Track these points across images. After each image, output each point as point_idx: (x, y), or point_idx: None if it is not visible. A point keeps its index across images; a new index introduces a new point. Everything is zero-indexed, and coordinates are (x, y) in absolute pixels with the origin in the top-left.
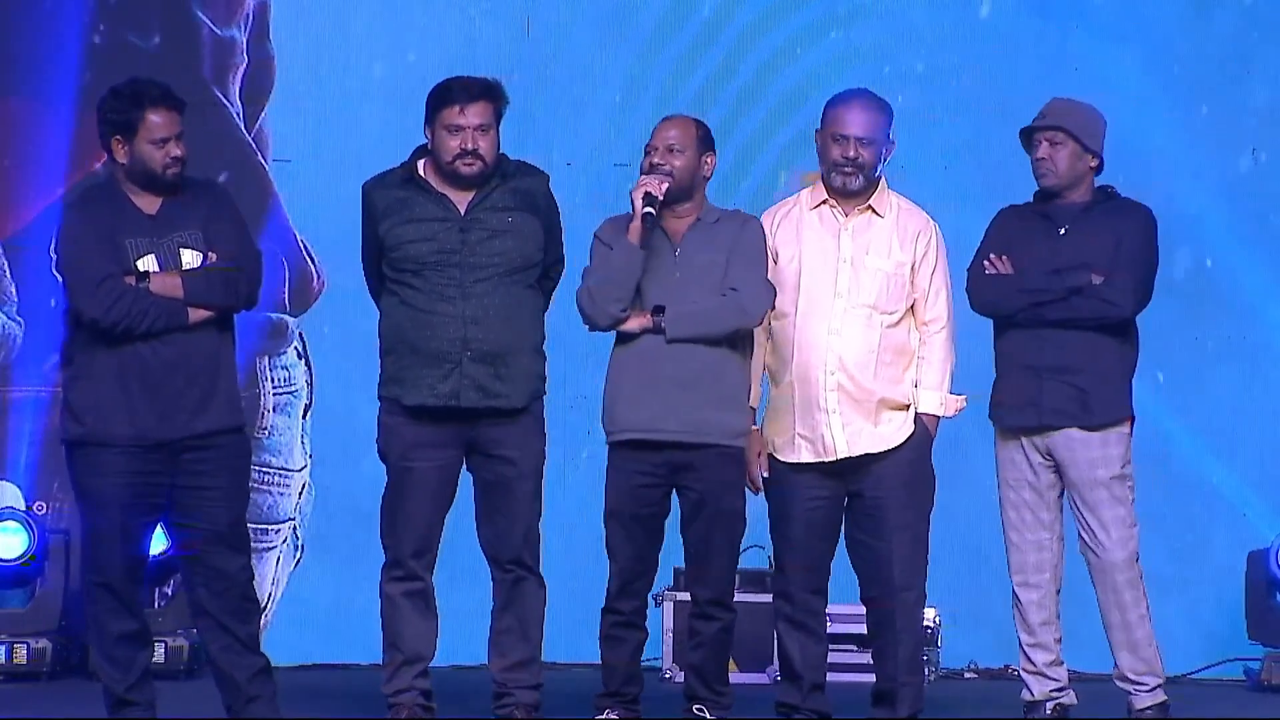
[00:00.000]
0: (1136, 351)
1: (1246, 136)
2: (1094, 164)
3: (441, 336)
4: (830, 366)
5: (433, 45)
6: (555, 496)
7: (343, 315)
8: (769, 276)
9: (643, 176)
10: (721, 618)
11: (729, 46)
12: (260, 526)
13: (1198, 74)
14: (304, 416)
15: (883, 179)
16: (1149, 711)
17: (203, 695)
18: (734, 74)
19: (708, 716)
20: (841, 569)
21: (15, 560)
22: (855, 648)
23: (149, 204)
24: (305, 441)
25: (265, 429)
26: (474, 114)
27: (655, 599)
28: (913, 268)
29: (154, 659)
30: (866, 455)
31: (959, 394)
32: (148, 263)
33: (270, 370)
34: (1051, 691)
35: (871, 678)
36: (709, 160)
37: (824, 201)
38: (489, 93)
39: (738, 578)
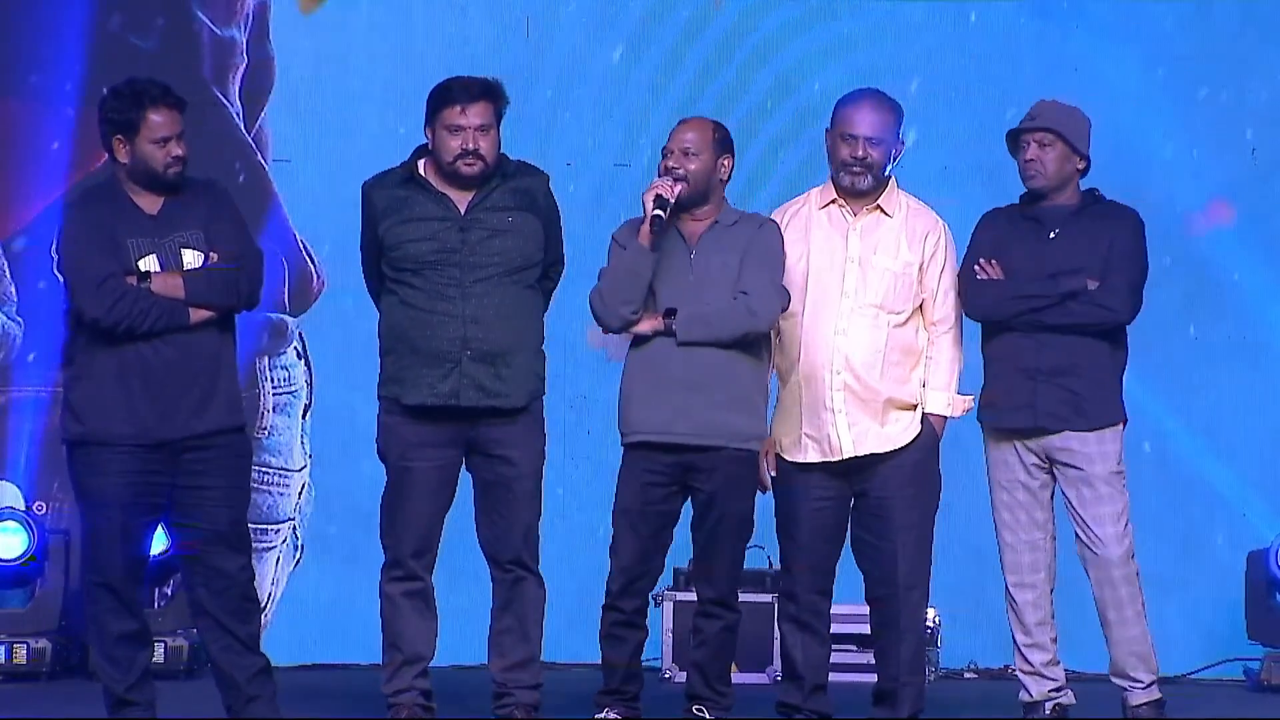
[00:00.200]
0: (1126, 353)
1: (1246, 137)
2: (1081, 165)
3: (441, 336)
4: (836, 366)
5: (432, 45)
6: (555, 496)
7: (342, 315)
8: (782, 276)
9: (656, 179)
10: (724, 617)
11: (729, 45)
12: (260, 526)
13: (1197, 74)
14: (304, 416)
15: (893, 179)
16: (1144, 709)
17: (202, 695)
18: (735, 73)
19: (707, 717)
20: (842, 569)
21: (15, 560)
22: (855, 648)
23: (150, 204)
24: (305, 441)
25: (265, 429)
26: (474, 114)
27: (655, 599)
28: (921, 268)
29: (154, 659)
30: (872, 455)
31: (966, 394)
32: (149, 263)
33: (270, 370)
34: (1050, 691)
35: (872, 678)
36: (726, 163)
37: (833, 201)
38: (489, 93)
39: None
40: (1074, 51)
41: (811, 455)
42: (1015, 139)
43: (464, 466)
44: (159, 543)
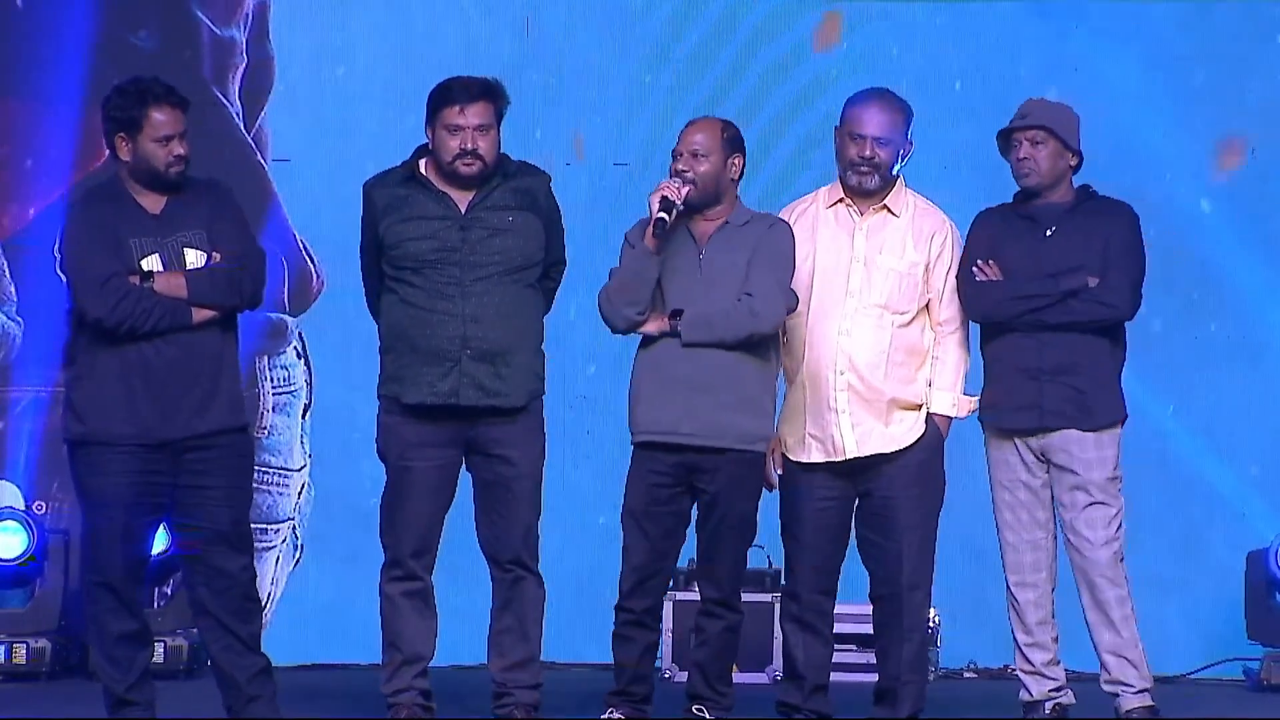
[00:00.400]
0: (1125, 350)
1: (1245, 136)
2: (1074, 162)
3: (441, 335)
4: (840, 366)
5: (432, 45)
6: (555, 496)
7: (342, 315)
8: (794, 277)
9: (664, 181)
10: (727, 617)
11: (729, 46)
12: (260, 526)
13: (1197, 74)
14: (303, 416)
15: (900, 178)
16: (1135, 714)
17: (202, 695)
18: (733, 73)
19: (708, 716)
20: (844, 568)
21: (15, 560)
22: (855, 647)
23: (153, 203)
24: (305, 441)
25: (265, 429)
26: (474, 114)
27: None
28: (927, 268)
29: (153, 659)
30: (877, 455)
31: (972, 395)
32: (152, 262)
33: (270, 370)
34: (1050, 691)
35: (872, 678)
36: (736, 162)
37: (840, 200)
38: (489, 93)
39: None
40: (1074, 51)
41: (815, 455)
42: (1007, 138)
43: (464, 466)
44: (159, 542)
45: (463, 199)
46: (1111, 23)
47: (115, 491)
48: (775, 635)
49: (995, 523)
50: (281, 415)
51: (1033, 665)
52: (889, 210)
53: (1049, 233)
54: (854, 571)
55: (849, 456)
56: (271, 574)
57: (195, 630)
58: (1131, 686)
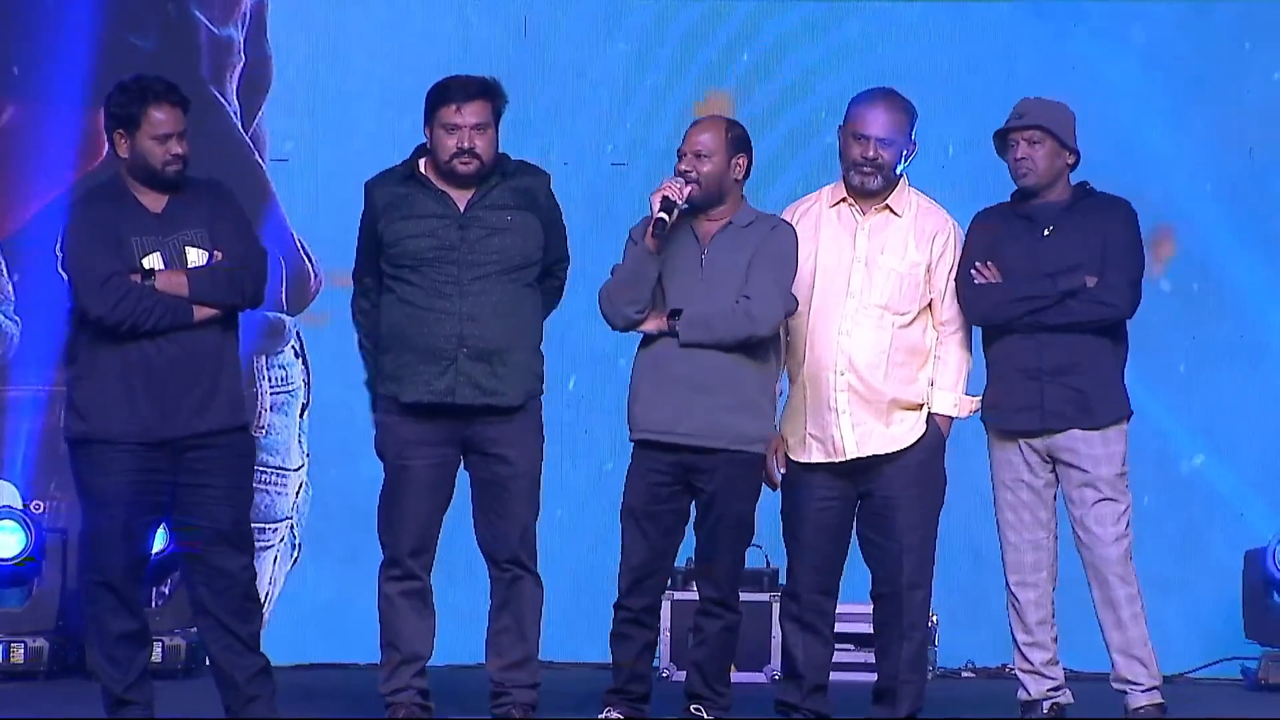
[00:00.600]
0: (1127, 348)
1: (1243, 136)
2: (1071, 160)
3: (438, 333)
4: (840, 367)
5: (430, 44)
6: (553, 496)
7: (340, 314)
8: (795, 279)
9: (666, 180)
10: (725, 617)
11: (727, 44)
12: (258, 525)
13: (1195, 74)
14: (301, 416)
15: (904, 178)
16: (1143, 712)
17: (200, 694)
18: (732, 72)
19: (705, 716)
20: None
21: (12, 559)
22: (853, 647)
23: (154, 202)
24: (303, 440)
25: (263, 428)
26: (471, 113)
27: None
28: (929, 268)
29: (152, 658)
30: (877, 456)
31: (974, 395)
32: (153, 261)
33: (268, 369)
34: (1048, 691)
35: (870, 677)
36: (741, 162)
37: (843, 199)
38: (487, 92)
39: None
40: (1072, 51)
41: (816, 455)
42: (1003, 138)
43: (462, 465)
44: (157, 541)
45: (462, 198)
46: (1110, 22)
47: (116, 490)
48: (774, 635)
49: (997, 522)
50: (279, 414)
51: (1032, 665)
52: (891, 210)
53: (1047, 232)
54: (852, 570)
55: (849, 457)
56: (269, 573)
57: (193, 630)
58: (1140, 684)
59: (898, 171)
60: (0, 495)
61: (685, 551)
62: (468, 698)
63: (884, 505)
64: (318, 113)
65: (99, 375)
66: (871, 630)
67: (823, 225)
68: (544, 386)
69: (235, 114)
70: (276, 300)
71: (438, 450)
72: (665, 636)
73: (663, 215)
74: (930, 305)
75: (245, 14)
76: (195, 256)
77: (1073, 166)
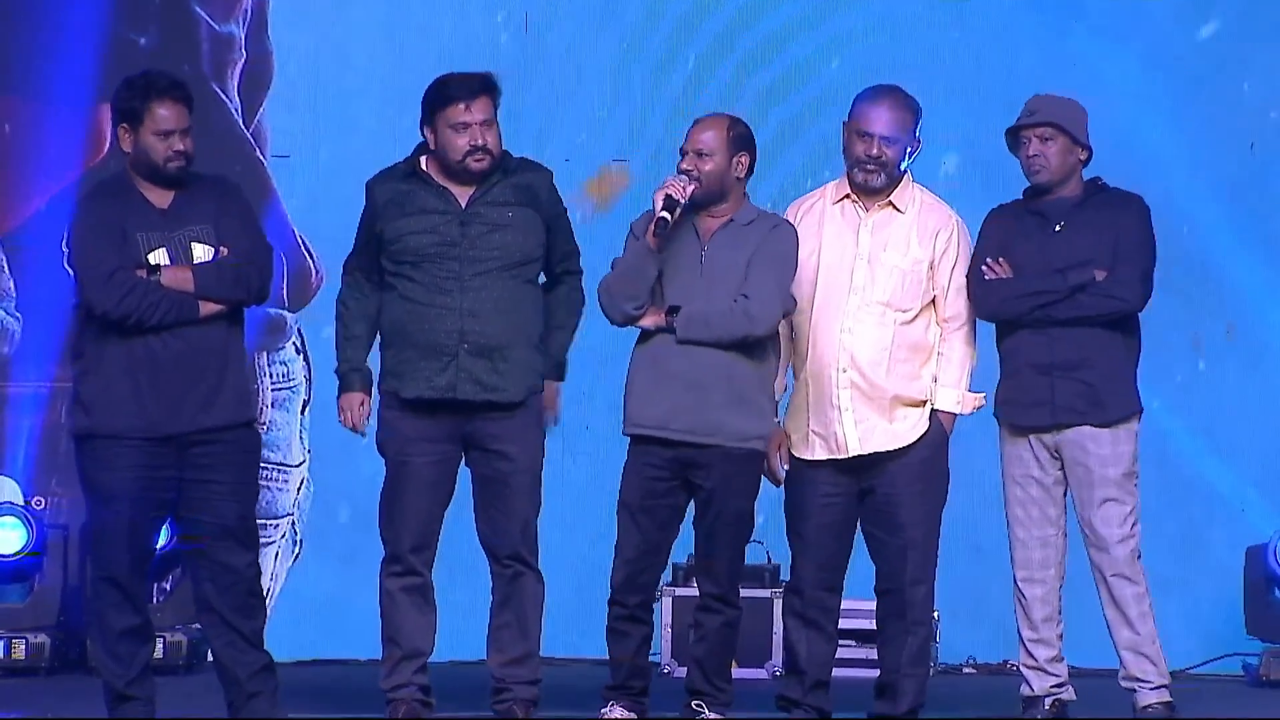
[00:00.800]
0: (1139, 343)
1: (1243, 134)
2: (1083, 156)
3: (439, 329)
4: (842, 364)
5: (431, 41)
6: (554, 491)
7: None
8: (794, 278)
9: (669, 178)
10: (725, 613)
11: (727, 41)
12: (259, 522)
13: (1195, 72)
14: (302, 412)
15: (908, 174)
16: (1151, 710)
17: (201, 690)
18: (732, 68)
19: (707, 713)
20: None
21: (14, 555)
22: (855, 643)
23: (160, 198)
24: (304, 437)
25: (264, 424)
26: (479, 109)
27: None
28: (931, 265)
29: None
30: (880, 452)
31: (977, 392)
32: (159, 256)
33: (269, 366)
34: (1051, 687)
35: (870, 673)
36: (742, 161)
37: (846, 196)
38: (489, 87)
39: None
40: (1071, 49)
41: (819, 452)
42: (1015, 135)
43: (463, 461)
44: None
45: (463, 194)
46: (1109, 20)
47: (121, 486)
48: (775, 631)
49: (1006, 518)
50: (281, 411)
51: (1036, 661)
52: (894, 207)
53: (1058, 228)
54: (853, 567)
55: (852, 454)
56: (271, 569)
57: (195, 626)
58: (1149, 682)
59: (901, 168)
60: (1, 491)
61: (687, 548)
62: (469, 694)
63: (887, 502)
64: (319, 109)
65: (104, 370)
66: (873, 626)
67: (826, 222)
68: (544, 383)
69: (236, 110)
70: (278, 297)
71: (439, 446)
72: (666, 632)
73: (665, 214)
74: (934, 302)
75: (246, 10)
76: (201, 252)
77: (1085, 163)
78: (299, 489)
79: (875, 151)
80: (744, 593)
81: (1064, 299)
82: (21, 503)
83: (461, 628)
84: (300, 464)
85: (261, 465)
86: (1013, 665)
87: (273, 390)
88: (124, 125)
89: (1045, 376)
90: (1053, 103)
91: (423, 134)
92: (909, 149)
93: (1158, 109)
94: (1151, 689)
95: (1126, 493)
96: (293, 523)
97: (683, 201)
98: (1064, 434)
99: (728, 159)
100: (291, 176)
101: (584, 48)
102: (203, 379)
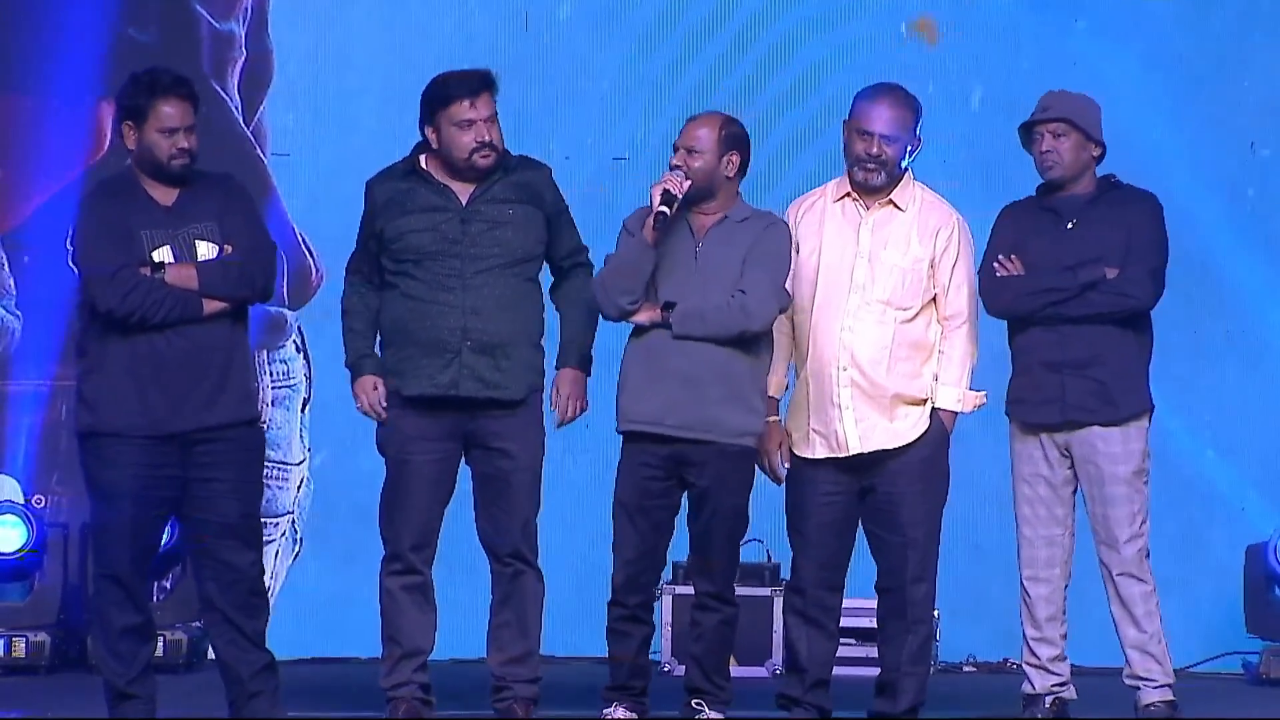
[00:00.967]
0: (1152, 342)
1: (1244, 133)
2: (1097, 153)
3: (441, 326)
4: (843, 362)
5: (431, 40)
6: (555, 490)
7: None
8: (789, 276)
9: (666, 173)
10: (722, 611)
11: (727, 40)
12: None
13: (1196, 70)
14: (302, 410)
15: (909, 173)
16: (1154, 709)
17: (201, 689)
18: (732, 67)
19: (707, 712)
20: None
21: (14, 554)
22: (855, 641)
23: (165, 195)
24: (304, 435)
25: (264, 423)
26: (483, 106)
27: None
28: (932, 263)
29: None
30: (881, 451)
31: (978, 390)
32: (163, 254)
33: (269, 364)
34: (1052, 686)
35: (870, 671)
36: (733, 159)
37: (847, 194)
38: (490, 84)
39: (737, 571)
40: (1073, 47)
41: (820, 451)
42: (1028, 131)
43: (463, 460)
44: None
45: (464, 192)
46: (1110, 19)
47: (124, 484)
48: (775, 630)
49: (1015, 517)
50: (281, 409)
51: (1039, 660)
52: (895, 205)
53: (1071, 225)
54: (855, 565)
55: (853, 452)
56: (271, 568)
57: (195, 624)
58: (1153, 681)
59: (902, 167)
60: (1, 490)
61: (686, 547)
62: (469, 693)
63: (888, 500)
64: (319, 108)
65: (108, 369)
66: (873, 624)
67: (827, 220)
68: (545, 381)
69: (236, 109)
70: (278, 295)
71: (439, 445)
72: (667, 631)
73: (664, 209)
74: (934, 300)
75: (246, 9)
76: (205, 250)
77: (1099, 159)
78: (299, 487)
79: (875, 150)
80: (745, 592)
81: (1075, 296)
82: (21, 501)
83: (462, 626)
84: (300, 462)
85: None
86: (1012, 663)
87: (273, 388)
88: (128, 122)
89: (1056, 374)
90: (1066, 99)
91: (423, 134)
92: (909, 147)
93: (1158, 108)
94: (1155, 688)
95: (1136, 491)
96: (293, 521)
97: (680, 196)
98: (1074, 432)
99: (718, 157)
100: (291, 175)
101: (584, 45)
102: (206, 377)
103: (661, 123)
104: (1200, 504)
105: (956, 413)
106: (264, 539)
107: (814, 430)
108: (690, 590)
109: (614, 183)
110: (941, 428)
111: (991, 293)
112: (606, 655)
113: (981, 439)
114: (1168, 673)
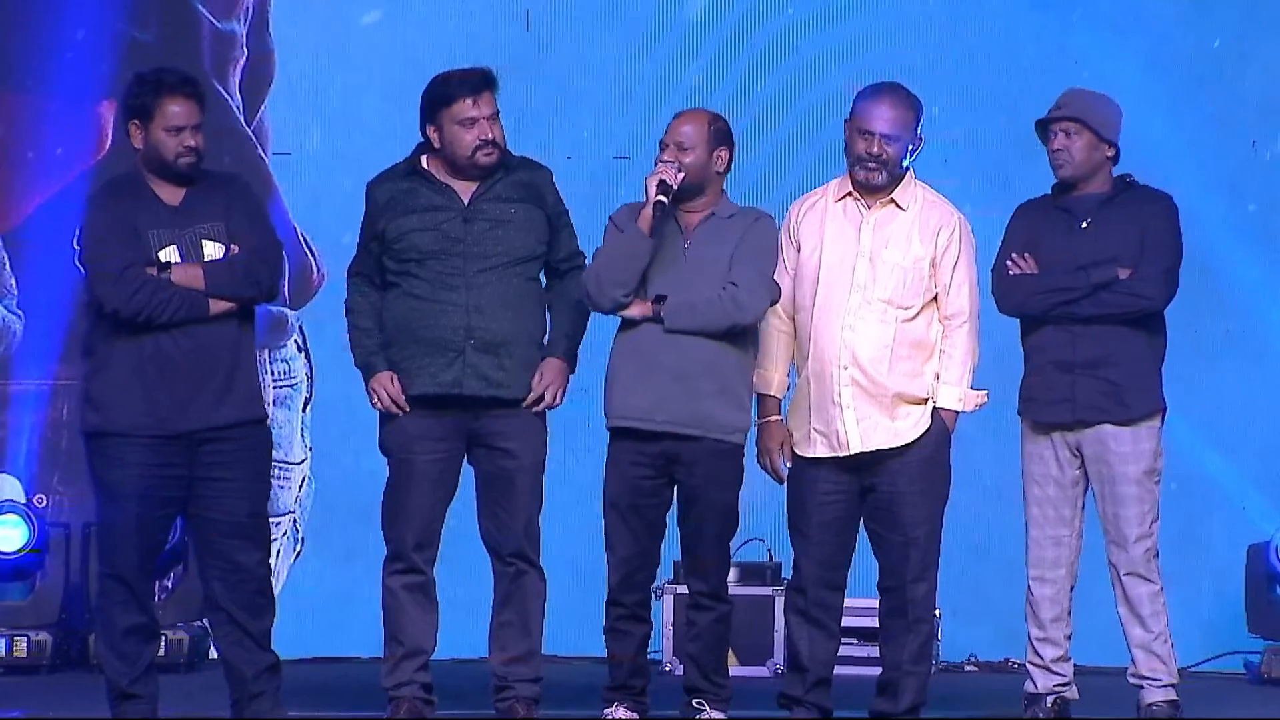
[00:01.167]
0: (1165, 342)
1: (1244, 132)
2: (1110, 154)
3: (444, 325)
4: (844, 361)
5: (432, 38)
6: (557, 489)
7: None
8: (781, 272)
9: (659, 164)
10: (716, 609)
11: (727, 38)
12: None
13: (1197, 69)
14: (304, 410)
15: (910, 172)
16: (1156, 708)
17: (202, 688)
18: (732, 66)
19: (707, 711)
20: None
21: (15, 553)
22: (856, 641)
23: (172, 195)
24: (305, 435)
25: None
26: (485, 104)
27: (655, 592)
28: (933, 262)
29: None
30: (882, 450)
31: (980, 389)
32: (169, 253)
33: (270, 363)
34: (1055, 686)
35: (871, 671)
36: (722, 155)
37: (848, 193)
38: (491, 82)
39: (738, 571)
40: (1074, 45)
41: (821, 450)
42: (1044, 128)
43: (466, 459)
44: None
45: (466, 191)
46: (1112, 16)
47: (129, 484)
48: (776, 629)
49: (1024, 518)
50: (282, 409)
51: (1042, 660)
52: (896, 204)
53: (1085, 225)
54: (856, 564)
55: (853, 451)
56: (273, 567)
57: (196, 624)
58: (1157, 681)
59: (904, 166)
60: (3, 489)
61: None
62: (470, 692)
63: (889, 500)
64: (320, 107)
65: (115, 368)
66: (875, 624)
67: (828, 220)
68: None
69: (238, 108)
70: (280, 294)
71: (442, 444)
72: (667, 630)
73: (661, 198)
74: (936, 299)
75: (248, 8)
76: (212, 249)
77: (1113, 160)
78: (300, 486)
79: (876, 149)
80: (745, 591)
81: (1086, 296)
82: (23, 500)
83: (464, 625)
84: (302, 462)
85: None
86: (1014, 663)
87: (275, 388)
88: (135, 121)
89: (1068, 374)
90: (1082, 97)
91: (424, 133)
92: (910, 146)
93: (1159, 107)
94: (1158, 688)
95: (1147, 491)
96: (294, 520)
97: (675, 186)
98: (1085, 432)
99: (708, 153)
100: (293, 174)
101: (585, 45)
102: (213, 377)
103: (661, 122)
104: (1201, 503)
105: (958, 412)
106: None
107: (815, 429)
108: None
109: (615, 182)
110: (943, 427)
111: (1003, 291)
112: (606, 655)
113: (983, 438)
114: (1172, 673)
